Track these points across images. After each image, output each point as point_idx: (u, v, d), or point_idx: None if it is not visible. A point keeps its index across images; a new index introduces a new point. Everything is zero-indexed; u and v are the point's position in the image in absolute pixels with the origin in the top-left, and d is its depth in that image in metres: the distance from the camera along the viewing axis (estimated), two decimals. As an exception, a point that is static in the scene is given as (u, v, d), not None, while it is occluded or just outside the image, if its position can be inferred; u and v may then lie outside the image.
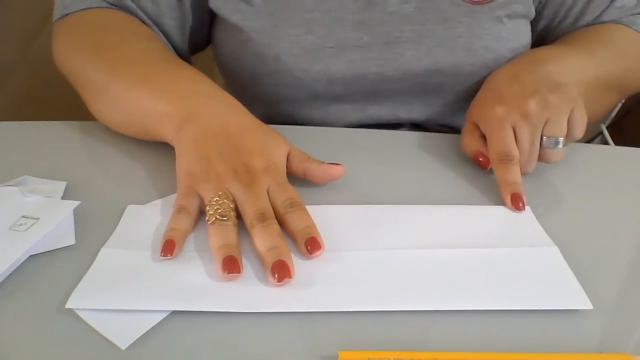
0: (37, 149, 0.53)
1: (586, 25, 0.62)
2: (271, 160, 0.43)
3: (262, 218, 0.39)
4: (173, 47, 0.61)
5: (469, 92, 0.57)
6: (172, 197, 0.44)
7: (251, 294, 0.36)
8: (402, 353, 0.32)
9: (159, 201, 0.45)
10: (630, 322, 0.36)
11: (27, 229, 0.40)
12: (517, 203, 0.45)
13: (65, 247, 0.40)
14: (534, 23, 0.62)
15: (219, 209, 0.39)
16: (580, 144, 0.56)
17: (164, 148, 0.49)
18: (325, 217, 0.42)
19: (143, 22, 0.57)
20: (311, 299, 0.36)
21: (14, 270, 0.38)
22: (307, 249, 0.38)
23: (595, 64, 0.56)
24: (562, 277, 0.38)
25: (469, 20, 0.56)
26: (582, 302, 0.36)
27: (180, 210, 0.41)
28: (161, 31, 0.59)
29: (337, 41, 0.55)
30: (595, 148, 0.56)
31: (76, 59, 0.54)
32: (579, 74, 0.53)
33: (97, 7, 0.56)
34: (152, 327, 0.33)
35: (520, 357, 0.32)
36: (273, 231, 0.38)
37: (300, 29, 0.55)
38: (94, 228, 0.42)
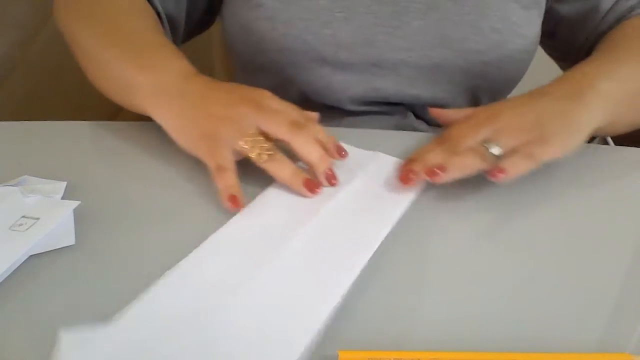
0: (37, 149, 0.53)
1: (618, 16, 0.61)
2: (263, 89, 0.48)
3: (296, 126, 0.44)
4: (168, 15, 0.61)
5: (475, 73, 0.58)
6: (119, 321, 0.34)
7: None
8: (402, 353, 0.32)
9: (95, 330, 0.33)
10: (630, 322, 0.36)
11: (27, 229, 0.40)
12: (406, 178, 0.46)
13: (65, 247, 0.40)
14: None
15: (260, 147, 0.44)
16: (580, 144, 0.56)
17: (164, 147, 0.49)
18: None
19: None
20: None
21: (14, 270, 0.38)
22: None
23: None
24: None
25: (476, 0, 0.57)
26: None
27: (219, 168, 0.43)
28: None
29: (347, 7, 0.57)
30: (595, 148, 0.56)
31: (73, 25, 0.56)
32: (631, 84, 0.52)
33: None
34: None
35: (520, 357, 0.32)
36: (312, 136, 0.45)
37: None
38: (94, 228, 0.42)
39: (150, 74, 0.49)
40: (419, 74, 0.60)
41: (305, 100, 0.62)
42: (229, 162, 0.44)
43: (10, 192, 0.44)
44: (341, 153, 0.48)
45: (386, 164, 0.50)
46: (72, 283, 0.36)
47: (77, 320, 0.34)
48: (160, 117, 0.48)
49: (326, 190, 0.46)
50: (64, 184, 0.46)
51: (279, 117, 0.45)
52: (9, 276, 0.37)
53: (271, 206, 0.44)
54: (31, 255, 0.39)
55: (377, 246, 0.40)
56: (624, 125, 0.54)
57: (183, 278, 0.37)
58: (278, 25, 0.58)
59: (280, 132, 0.44)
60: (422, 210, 0.45)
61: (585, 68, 0.52)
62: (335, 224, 0.42)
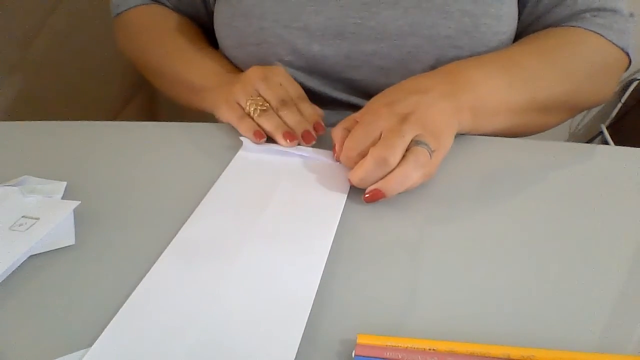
0: (37, 149, 0.53)
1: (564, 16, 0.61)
2: (279, 67, 0.57)
3: (282, 102, 0.53)
4: (198, 21, 0.74)
5: (447, 61, 0.57)
6: None
7: None
8: (418, 341, 0.32)
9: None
10: (630, 322, 0.36)
11: (27, 229, 0.40)
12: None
13: (65, 247, 0.40)
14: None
15: (257, 105, 0.53)
16: (580, 144, 0.56)
17: (164, 147, 0.50)
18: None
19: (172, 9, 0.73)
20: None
21: (14, 270, 0.38)
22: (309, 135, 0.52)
23: (532, 88, 0.55)
24: None
25: None
26: None
27: (240, 118, 0.53)
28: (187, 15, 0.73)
29: (318, 0, 0.59)
30: (595, 148, 0.56)
31: (135, 50, 0.72)
32: (502, 97, 0.53)
33: (140, 5, 0.73)
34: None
35: (536, 353, 0.32)
36: (292, 110, 0.53)
37: None
38: (94, 228, 0.42)
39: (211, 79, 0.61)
40: (392, 63, 0.61)
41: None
42: (243, 112, 0.53)
43: (10, 192, 0.44)
44: (308, 138, 0.52)
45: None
46: (72, 283, 0.36)
47: (77, 320, 0.34)
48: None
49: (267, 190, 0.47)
50: (64, 184, 0.46)
51: (273, 92, 0.54)
52: (9, 276, 0.37)
53: (219, 207, 0.44)
54: (31, 255, 0.39)
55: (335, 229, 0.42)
56: (484, 132, 0.55)
57: (152, 293, 0.36)
58: (253, 21, 0.60)
59: (272, 103, 0.53)
60: (436, 197, 0.45)
61: (475, 73, 0.53)
62: (286, 217, 0.43)
